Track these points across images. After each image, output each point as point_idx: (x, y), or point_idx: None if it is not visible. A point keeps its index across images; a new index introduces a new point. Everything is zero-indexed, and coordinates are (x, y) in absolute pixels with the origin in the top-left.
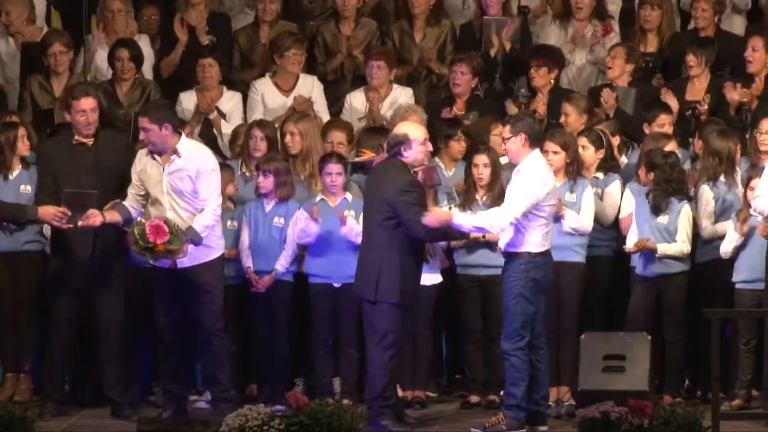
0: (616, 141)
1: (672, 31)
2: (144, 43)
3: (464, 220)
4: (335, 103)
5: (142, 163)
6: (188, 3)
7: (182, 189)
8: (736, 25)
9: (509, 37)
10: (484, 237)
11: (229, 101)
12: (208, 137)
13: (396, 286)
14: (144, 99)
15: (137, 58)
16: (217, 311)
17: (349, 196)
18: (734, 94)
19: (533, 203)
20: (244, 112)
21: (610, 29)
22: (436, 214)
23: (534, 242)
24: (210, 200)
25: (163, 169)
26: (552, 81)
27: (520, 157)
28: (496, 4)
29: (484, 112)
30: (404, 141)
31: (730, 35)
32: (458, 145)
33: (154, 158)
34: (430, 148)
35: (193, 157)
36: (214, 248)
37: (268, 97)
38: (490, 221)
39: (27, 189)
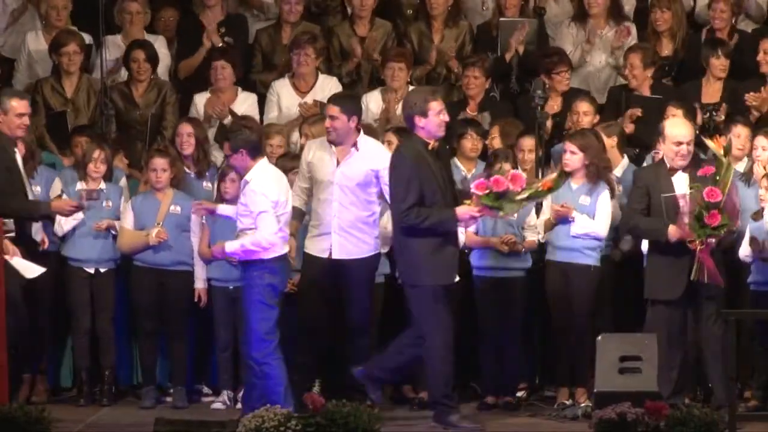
0: (613, 142)
1: (683, 32)
2: (160, 45)
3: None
4: None
5: (313, 153)
6: (204, 4)
7: (355, 182)
8: (752, 26)
9: (522, 41)
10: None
11: (244, 103)
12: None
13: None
14: (160, 100)
15: (153, 59)
16: (367, 308)
17: None
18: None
19: (274, 211)
20: (261, 113)
21: (628, 32)
22: None
23: (270, 250)
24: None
25: (338, 162)
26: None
27: (247, 170)
28: (514, 5)
29: (497, 113)
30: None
31: (746, 34)
32: (470, 143)
33: (332, 149)
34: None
35: (373, 153)
36: (371, 245)
37: (284, 98)
38: (255, 243)
39: (36, 189)
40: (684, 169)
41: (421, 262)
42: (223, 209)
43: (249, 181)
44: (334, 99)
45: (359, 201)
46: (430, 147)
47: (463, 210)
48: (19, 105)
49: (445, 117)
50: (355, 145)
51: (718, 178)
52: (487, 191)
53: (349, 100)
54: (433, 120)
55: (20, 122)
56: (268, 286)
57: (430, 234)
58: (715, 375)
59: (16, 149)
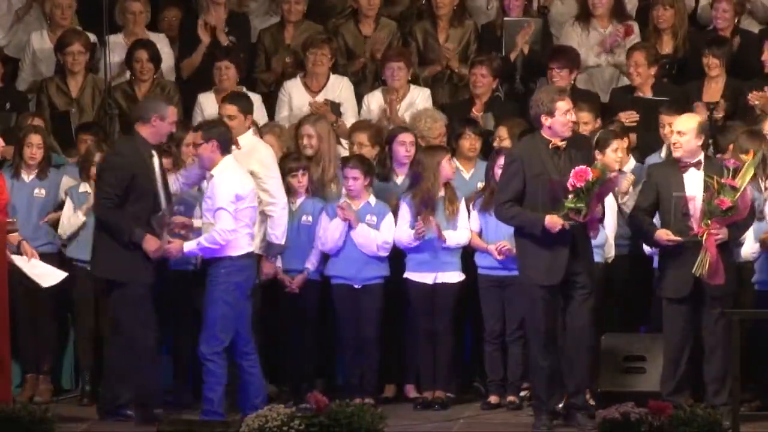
0: (624, 143)
1: (685, 30)
2: (163, 44)
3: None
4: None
5: None
6: (209, 3)
7: None
8: (756, 25)
9: (527, 41)
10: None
11: None
12: None
13: None
14: None
15: (156, 59)
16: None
17: (372, 199)
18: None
19: (235, 209)
20: (268, 112)
21: (631, 31)
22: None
23: (235, 246)
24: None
25: None
26: (572, 82)
27: (212, 163)
28: (518, 5)
29: (503, 113)
30: None
31: (752, 34)
32: (468, 143)
33: None
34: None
35: (251, 151)
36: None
37: (296, 97)
38: (211, 241)
39: (41, 192)
40: (697, 167)
41: (522, 260)
42: (189, 245)
43: (214, 175)
44: (230, 99)
45: None
46: (551, 146)
47: (551, 219)
48: (174, 113)
49: (572, 117)
50: (236, 142)
51: (739, 174)
52: (573, 195)
53: (243, 98)
54: (560, 119)
55: (170, 129)
56: (232, 284)
57: (533, 233)
58: (710, 375)
59: (155, 155)
